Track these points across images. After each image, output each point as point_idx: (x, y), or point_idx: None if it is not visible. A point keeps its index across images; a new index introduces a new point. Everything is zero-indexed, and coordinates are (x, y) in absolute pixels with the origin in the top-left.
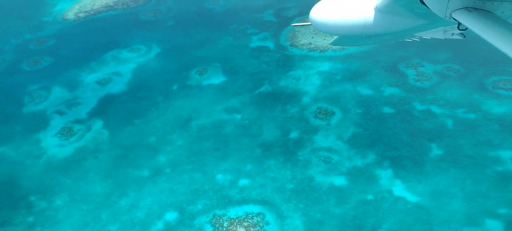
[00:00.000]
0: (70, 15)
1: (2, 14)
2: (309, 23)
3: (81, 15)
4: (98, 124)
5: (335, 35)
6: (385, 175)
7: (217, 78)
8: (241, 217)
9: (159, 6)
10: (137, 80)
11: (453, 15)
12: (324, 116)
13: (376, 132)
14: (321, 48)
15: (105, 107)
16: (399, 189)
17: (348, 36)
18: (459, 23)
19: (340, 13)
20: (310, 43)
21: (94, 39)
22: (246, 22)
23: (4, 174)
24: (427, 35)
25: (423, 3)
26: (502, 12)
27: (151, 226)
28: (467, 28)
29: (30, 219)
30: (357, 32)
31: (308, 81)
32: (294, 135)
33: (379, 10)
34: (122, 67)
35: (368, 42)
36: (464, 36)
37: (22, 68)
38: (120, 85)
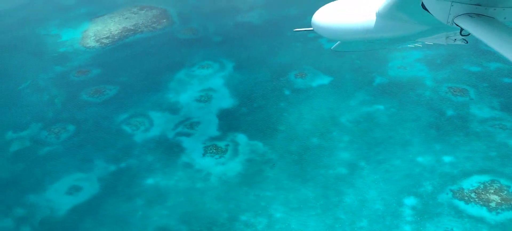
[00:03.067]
0: (90, 42)
1: (5, 52)
2: (311, 28)
3: (105, 41)
4: (241, 137)
5: (338, 40)
6: None
7: (322, 79)
8: (480, 187)
9: (190, 25)
10: (240, 93)
11: (456, 21)
12: (461, 93)
13: None
14: None
15: (232, 121)
16: None
17: (350, 42)
18: (462, 29)
19: (342, 18)
20: None
21: (148, 62)
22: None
23: (182, 202)
24: (429, 40)
25: (425, 9)
26: (505, 18)
27: (400, 214)
28: (469, 34)
29: None
30: (359, 37)
31: (415, 68)
32: (450, 112)
33: (380, 15)
34: (210, 84)
35: (370, 47)
36: (467, 42)
37: (87, 100)
38: (226, 100)
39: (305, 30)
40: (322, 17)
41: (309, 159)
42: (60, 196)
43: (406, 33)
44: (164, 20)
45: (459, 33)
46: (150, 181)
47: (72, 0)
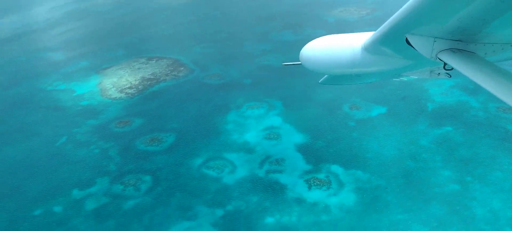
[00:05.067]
0: (114, 94)
1: (18, 109)
2: (299, 62)
3: (130, 91)
4: (336, 168)
5: (324, 74)
6: None
7: (378, 109)
8: None
9: (211, 72)
10: (306, 128)
11: (439, 56)
12: (510, 111)
13: None
14: None
15: (316, 154)
16: None
17: (337, 76)
18: (445, 64)
19: (329, 52)
20: None
21: (190, 108)
22: None
23: None
24: (414, 74)
25: (410, 44)
26: (485, 53)
27: None
28: (452, 68)
29: None
30: (345, 71)
31: (455, 94)
32: None
33: (366, 50)
34: (269, 123)
35: (356, 81)
36: (450, 76)
37: (147, 149)
38: (296, 136)
39: (293, 64)
40: (310, 51)
41: (416, 180)
42: None
43: (391, 68)
44: (182, 68)
45: (442, 68)
46: (270, 219)
47: (60, 55)
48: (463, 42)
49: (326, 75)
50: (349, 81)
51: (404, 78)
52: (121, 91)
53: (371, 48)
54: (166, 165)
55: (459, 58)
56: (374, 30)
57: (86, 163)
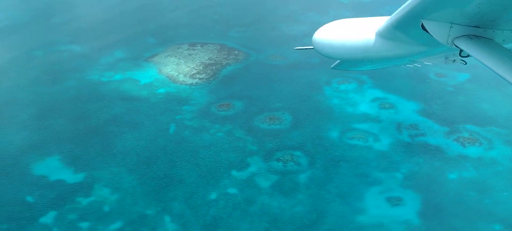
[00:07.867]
0: (187, 80)
1: (93, 102)
2: (312, 47)
3: (203, 76)
4: (470, 127)
5: (337, 59)
6: None
7: (462, 76)
8: None
9: (269, 53)
10: (410, 96)
11: (455, 42)
12: None
13: None
14: None
15: (441, 117)
16: None
17: (349, 61)
18: (461, 50)
19: (341, 36)
20: None
21: (280, 88)
22: None
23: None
24: (428, 61)
25: (425, 30)
26: (503, 40)
27: None
28: (468, 55)
29: None
30: (359, 56)
31: None
32: None
33: (380, 35)
34: (372, 95)
35: (370, 67)
36: (466, 63)
37: (271, 128)
38: (408, 104)
39: (306, 48)
40: (323, 36)
41: None
42: (386, 209)
43: (405, 53)
44: (236, 52)
45: (458, 54)
46: (452, 175)
47: (82, 47)
48: (481, 28)
49: (338, 60)
50: (361, 67)
51: (418, 64)
52: (192, 77)
53: (385, 34)
54: (305, 139)
55: (476, 45)
56: (389, 13)
57: (220, 146)
